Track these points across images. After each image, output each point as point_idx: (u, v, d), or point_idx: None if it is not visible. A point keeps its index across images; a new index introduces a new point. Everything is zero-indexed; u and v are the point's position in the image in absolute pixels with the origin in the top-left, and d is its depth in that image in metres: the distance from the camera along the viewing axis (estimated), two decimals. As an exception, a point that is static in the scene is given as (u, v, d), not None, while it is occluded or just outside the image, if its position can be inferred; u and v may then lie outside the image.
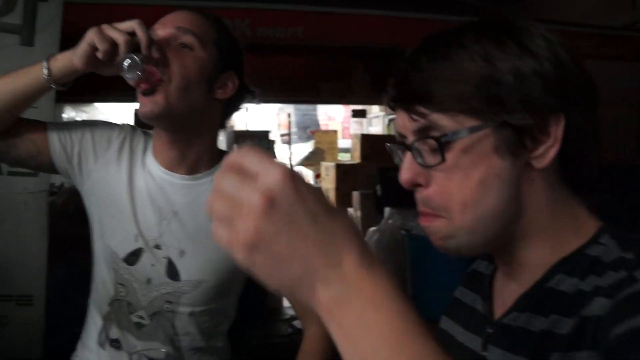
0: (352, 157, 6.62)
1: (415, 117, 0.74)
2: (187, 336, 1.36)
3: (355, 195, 5.08)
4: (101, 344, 1.41)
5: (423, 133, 0.74)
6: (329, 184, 6.17)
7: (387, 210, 4.70)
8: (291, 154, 6.73)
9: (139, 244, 1.32)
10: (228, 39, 1.33)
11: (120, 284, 1.34)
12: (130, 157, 1.36)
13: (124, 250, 1.33)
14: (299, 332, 3.91)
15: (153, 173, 1.33)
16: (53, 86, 1.23)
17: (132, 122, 3.85)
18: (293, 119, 7.33)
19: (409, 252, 4.35)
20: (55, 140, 1.31)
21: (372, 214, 4.87)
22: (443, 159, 0.72)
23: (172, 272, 1.32)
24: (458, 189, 0.73)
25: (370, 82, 6.76)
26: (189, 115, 1.28)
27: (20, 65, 2.00)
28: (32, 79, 1.23)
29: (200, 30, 1.27)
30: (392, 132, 6.74)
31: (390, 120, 6.95)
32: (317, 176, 6.43)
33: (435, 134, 0.73)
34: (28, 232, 2.04)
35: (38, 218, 2.04)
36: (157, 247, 1.32)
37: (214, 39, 1.29)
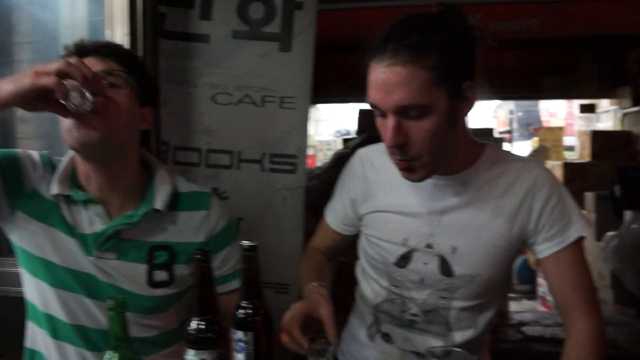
0: (580, 155, 6.19)
1: None
2: (461, 331, 1.37)
3: (589, 196, 4.72)
4: (371, 337, 1.46)
5: None
6: (555, 184, 5.79)
7: (627, 214, 4.29)
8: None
9: (410, 246, 1.35)
10: (454, 49, 1.18)
11: (393, 285, 1.38)
12: (377, 172, 1.43)
13: (395, 254, 1.37)
14: (528, 339, 3.76)
15: None
16: None
17: (356, 124, 3.99)
18: (513, 116, 7.02)
19: (658, 261, 3.93)
20: (339, 228, 1.55)
21: (609, 218, 4.51)
22: None
23: (446, 268, 1.33)
24: None
25: (599, 74, 6.23)
26: (446, 153, 1.27)
27: (280, 69, 2.20)
28: None
29: (420, 87, 1.15)
30: (627, 128, 6.15)
31: (625, 115, 6.33)
32: (542, 175, 6.08)
33: None
34: (286, 226, 2.18)
35: (295, 212, 2.18)
36: (429, 246, 1.34)
37: (436, 78, 1.15)
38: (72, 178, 1.37)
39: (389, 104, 1.17)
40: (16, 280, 1.99)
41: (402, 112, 1.17)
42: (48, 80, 1.13)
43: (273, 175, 2.19)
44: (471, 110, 1.27)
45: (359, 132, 3.94)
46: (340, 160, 3.29)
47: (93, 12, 2.22)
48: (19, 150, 1.41)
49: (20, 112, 2.40)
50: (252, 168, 2.19)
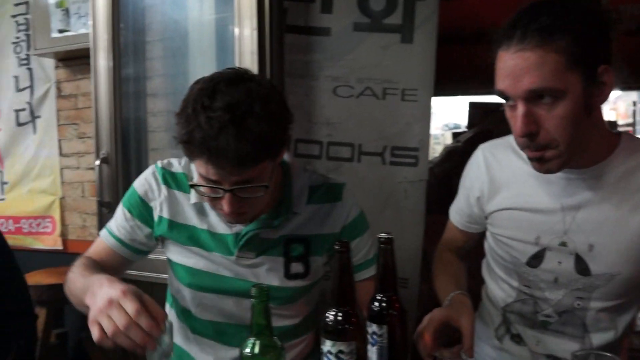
0: None
1: None
2: (599, 333, 1.30)
3: None
4: (499, 338, 1.42)
5: None
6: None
7: None
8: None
9: (542, 245, 1.29)
10: (587, 31, 1.09)
11: (524, 285, 1.34)
12: (502, 167, 1.38)
13: (526, 254, 1.32)
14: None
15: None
16: None
17: (465, 117, 3.90)
18: (637, 107, 6.57)
19: None
20: (464, 227, 1.53)
21: None
22: None
23: (582, 267, 1.26)
24: None
25: None
26: (581, 144, 1.18)
27: (401, 61, 2.18)
28: None
29: (551, 70, 1.08)
30: None
31: None
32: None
33: None
34: (407, 219, 2.16)
35: (416, 206, 2.16)
36: (563, 244, 1.27)
37: (569, 61, 1.07)
38: None
39: (518, 90, 1.11)
40: (155, 267, 2.10)
41: (533, 98, 1.10)
42: (94, 334, 1.01)
43: (394, 168, 2.17)
44: (608, 97, 1.19)
45: (469, 125, 3.84)
46: (452, 154, 3.22)
47: (220, 9, 2.30)
48: (138, 187, 1.42)
49: (150, 107, 2.54)
50: (372, 161, 2.19)
